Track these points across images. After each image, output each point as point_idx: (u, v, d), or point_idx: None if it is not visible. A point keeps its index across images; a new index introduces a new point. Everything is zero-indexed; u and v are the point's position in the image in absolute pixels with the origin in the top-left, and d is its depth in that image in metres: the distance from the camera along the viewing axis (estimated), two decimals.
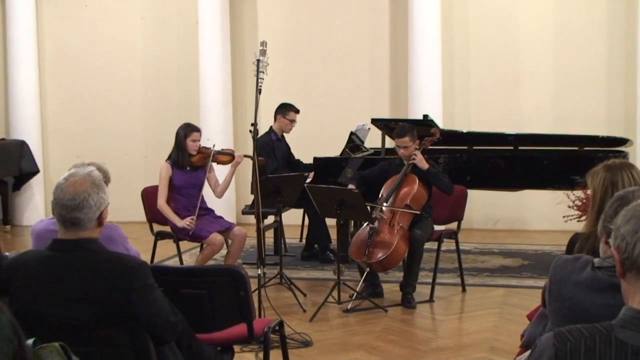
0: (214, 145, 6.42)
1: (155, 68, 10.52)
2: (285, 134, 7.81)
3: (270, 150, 7.54)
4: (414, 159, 6.21)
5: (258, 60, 5.48)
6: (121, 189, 8.74)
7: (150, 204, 6.54)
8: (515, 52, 9.61)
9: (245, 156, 6.38)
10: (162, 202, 6.27)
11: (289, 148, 7.94)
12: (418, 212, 6.18)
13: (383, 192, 6.32)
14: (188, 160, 6.32)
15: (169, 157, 6.36)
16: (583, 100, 9.44)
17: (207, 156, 6.35)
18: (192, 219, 6.19)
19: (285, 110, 7.68)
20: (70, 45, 10.68)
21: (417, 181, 6.20)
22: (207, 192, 6.51)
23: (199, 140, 6.36)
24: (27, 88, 10.37)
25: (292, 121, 7.67)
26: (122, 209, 8.87)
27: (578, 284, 2.39)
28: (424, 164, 6.22)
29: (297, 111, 7.69)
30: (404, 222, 6.13)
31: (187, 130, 6.32)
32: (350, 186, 6.25)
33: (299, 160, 8.00)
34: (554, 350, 1.83)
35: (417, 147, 6.30)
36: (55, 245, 2.77)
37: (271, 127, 7.75)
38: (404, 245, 6.04)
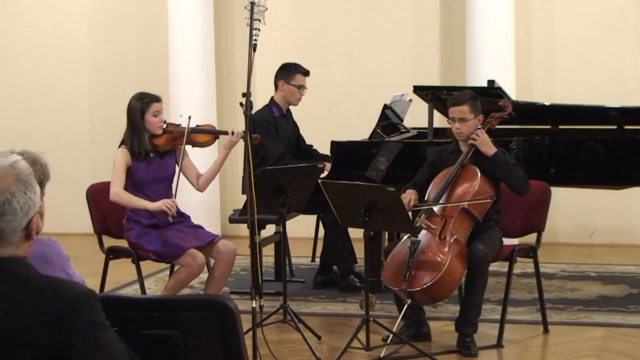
0: (189, 118, 6.38)
1: (106, 16, 10.55)
2: (292, 107, 7.82)
3: (273, 130, 7.54)
4: (474, 139, 6.19)
5: (252, 4, 5.48)
6: (59, 187, 8.75)
7: (100, 207, 6.56)
8: None
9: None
10: (117, 189, 6.27)
11: (297, 129, 7.94)
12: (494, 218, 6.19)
13: (430, 191, 6.30)
14: (151, 144, 6.33)
15: (122, 143, 6.37)
16: None
17: (178, 136, 6.37)
18: (172, 201, 6.23)
19: (289, 72, 7.68)
20: None
21: (479, 175, 6.19)
22: (180, 187, 6.54)
23: (162, 113, 6.37)
24: None
25: (301, 87, 7.67)
26: (60, 215, 8.90)
27: None
28: (488, 147, 6.20)
29: (305, 73, 7.69)
30: (460, 234, 6.12)
31: (145, 102, 6.32)
32: (409, 195, 6.24)
33: (311, 147, 7.99)
34: None
35: (481, 124, 6.27)
36: None
37: (272, 98, 7.76)
38: (460, 266, 6.03)
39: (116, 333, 2.84)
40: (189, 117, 6.40)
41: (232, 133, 6.40)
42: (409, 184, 6.48)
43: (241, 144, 5.98)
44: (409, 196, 6.24)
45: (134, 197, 6.28)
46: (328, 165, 7.43)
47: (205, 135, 6.54)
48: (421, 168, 6.55)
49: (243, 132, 6.13)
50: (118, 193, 6.28)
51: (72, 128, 10.62)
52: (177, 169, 6.45)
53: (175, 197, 6.31)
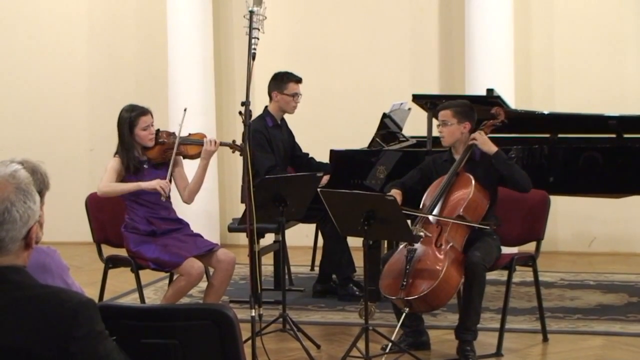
0: (184, 111, 6.36)
1: (105, 25, 10.55)
2: (291, 116, 7.81)
3: (264, 141, 7.52)
4: (475, 139, 6.20)
5: (251, 12, 5.49)
6: (58, 196, 8.75)
7: (99, 216, 6.56)
8: (619, 4, 9.59)
9: (222, 144, 6.39)
10: (104, 183, 6.27)
11: (293, 137, 7.93)
12: (489, 227, 6.17)
13: (425, 199, 6.30)
14: (144, 156, 6.34)
15: (117, 153, 6.38)
16: None
17: (170, 148, 6.37)
18: (166, 182, 6.23)
19: (281, 82, 7.66)
20: None
21: (474, 182, 6.20)
22: (175, 197, 6.53)
23: (152, 125, 6.37)
24: None
25: (295, 95, 7.66)
26: (59, 224, 8.90)
27: None
28: (489, 146, 6.21)
29: (298, 80, 7.68)
30: (456, 241, 6.11)
31: (133, 116, 6.32)
32: (394, 192, 6.23)
33: (307, 155, 7.98)
34: None
35: (466, 131, 6.28)
36: None
37: (266, 108, 7.75)
38: (456, 273, 6.02)
39: (115, 342, 2.84)
40: (185, 110, 6.40)
41: (209, 142, 6.42)
42: (394, 182, 6.48)
43: (237, 156, 5.99)
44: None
45: (124, 183, 6.28)
46: (325, 178, 7.36)
47: (195, 147, 6.51)
48: (412, 170, 6.57)
49: (222, 143, 6.34)
50: (106, 184, 6.27)
51: (71, 137, 10.61)
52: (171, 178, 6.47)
53: (167, 189, 6.29)
